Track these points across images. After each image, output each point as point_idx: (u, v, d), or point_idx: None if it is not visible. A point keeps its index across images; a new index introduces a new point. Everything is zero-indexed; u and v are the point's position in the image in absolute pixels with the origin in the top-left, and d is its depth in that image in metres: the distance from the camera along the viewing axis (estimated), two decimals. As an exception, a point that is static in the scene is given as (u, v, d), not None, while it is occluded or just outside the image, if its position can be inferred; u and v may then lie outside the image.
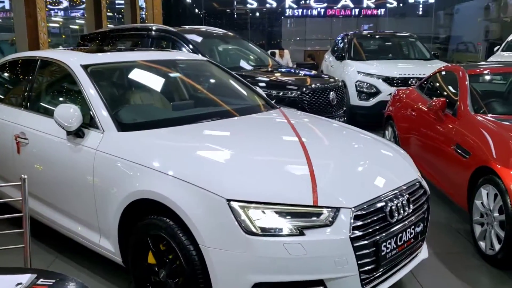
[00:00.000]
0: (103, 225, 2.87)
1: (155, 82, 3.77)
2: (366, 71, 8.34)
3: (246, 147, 2.79)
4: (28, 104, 3.61)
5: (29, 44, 7.19)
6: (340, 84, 6.35)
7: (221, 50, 7.17)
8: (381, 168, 2.80)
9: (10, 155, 3.55)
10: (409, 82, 8.01)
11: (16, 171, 3.53)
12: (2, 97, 4.07)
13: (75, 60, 3.41)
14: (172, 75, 3.86)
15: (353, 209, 2.34)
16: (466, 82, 4.37)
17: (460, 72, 4.57)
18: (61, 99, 3.53)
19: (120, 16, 18.23)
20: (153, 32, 6.90)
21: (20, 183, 2.27)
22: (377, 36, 10.22)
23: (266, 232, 2.23)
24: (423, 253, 2.89)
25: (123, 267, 2.86)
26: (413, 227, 2.63)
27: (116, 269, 3.10)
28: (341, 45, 10.17)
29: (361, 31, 10.63)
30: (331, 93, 5.94)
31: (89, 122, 3.03)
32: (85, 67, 3.33)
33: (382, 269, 2.44)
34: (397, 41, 9.98)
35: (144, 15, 15.57)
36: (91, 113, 3.04)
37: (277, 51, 11.83)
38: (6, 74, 4.26)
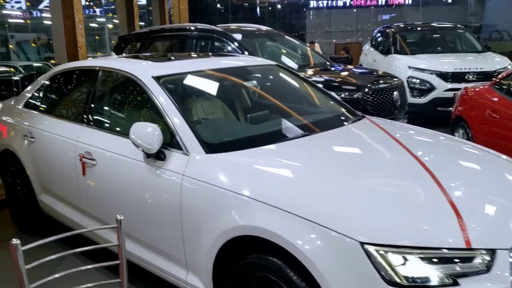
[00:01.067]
0: (191, 260, 2.52)
1: (228, 93, 3.41)
2: (418, 66, 7.87)
3: (362, 173, 2.39)
4: (91, 120, 3.27)
5: (67, 47, 6.88)
6: (402, 83, 5.92)
7: (266, 48, 6.79)
8: None
9: (73, 176, 3.22)
10: (466, 78, 7.53)
11: (81, 194, 3.21)
12: (56, 111, 3.75)
13: (144, 71, 3.06)
14: (245, 83, 3.49)
15: (510, 249, 1.94)
16: None
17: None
18: (131, 115, 3.18)
19: (145, 12, 17.94)
20: (197, 32, 6.54)
21: (116, 225, 1.93)
22: (423, 28, 9.70)
23: (413, 282, 1.85)
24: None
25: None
26: None
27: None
28: (383, 38, 9.70)
29: (404, 23, 10.05)
30: (395, 92, 5.52)
31: (169, 142, 2.68)
32: (157, 79, 2.97)
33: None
34: (445, 32, 9.46)
35: (171, 12, 15.24)
36: (171, 132, 2.68)
37: (307, 44, 11.40)
38: (59, 86, 3.93)
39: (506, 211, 2.18)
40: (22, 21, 20.44)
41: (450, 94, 7.43)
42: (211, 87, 3.29)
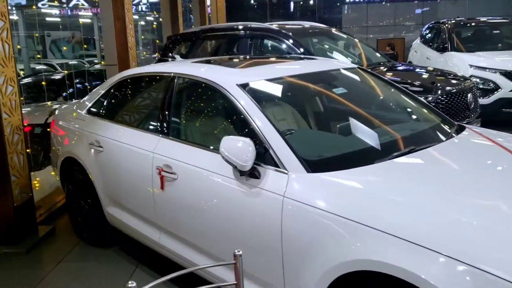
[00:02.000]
0: (292, 290, 2.27)
1: (313, 101, 3.14)
2: (479, 64, 7.43)
3: (497, 197, 2.08)
4: (169, 130, 3.05)
5: (118, 49, 6.74)
6: (475, 84, 5.54)
7: (326, 47, 6.49)
8: None
9: (150, 190, 3.02)
10: (533, 77, 7.08)
11: (160, 209, 3.00)
12: (126, 119, 3.56)
13: (228, 79, 2.82)
14: (334, 90, 3.20)
15: None
16: None
17: None
18: (214, 126, 2.95)
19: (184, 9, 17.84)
20: (250, 31, 6.29)
21: (234, 261, 1.69)
22: (478, 24, 9.21)
23: None
24: None
25: None
26: None
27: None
28: (435, 34, 9.27)
29: (456, 18, 9.58)
30: (469, 95, 5.16)
31: (262, 157, 2.43)
32: (242, 86, 2.73)
33: None
34: (502, 28, 8.95)
35: (209, 9, 15.08)
36: (264, 146, 2.43)
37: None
38: (128, 92, 3.73)
39: None
40: (57, 19, 20.60)
41: (516, 94, 7.01)
42: (297, 93, 3.03)
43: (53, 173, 4.49)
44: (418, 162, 2.44)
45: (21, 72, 13.73)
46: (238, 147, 2.34)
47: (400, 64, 6.30)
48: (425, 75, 5.68)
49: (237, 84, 2.74)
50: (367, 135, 2.73)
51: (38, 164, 5.31)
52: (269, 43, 6.23)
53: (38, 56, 18.00)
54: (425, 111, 3.21)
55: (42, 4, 18.32)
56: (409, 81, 5.23)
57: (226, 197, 2.52)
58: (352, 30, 22.19)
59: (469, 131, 2.95)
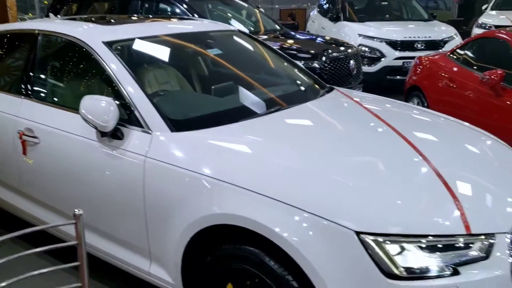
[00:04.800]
0: (156, 250, 2.27)
1: (187, 62, 3.09)
2: (367, 34, 7.78)
3: (347, 153, 2.19)
4: (32, 92, 2.86)
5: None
6: (358, 51, 5.80)
7: (217, 12, 6.42)
8: (506, 171, 2.30)
9: (12, 156, 2.82)
10: (415, 46, 7.55)
11: (22, 176, 2.83)
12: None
13: (94, 36, 2.68)
14: (208, 52, 3.17)
15: (509, 233, 1.84)
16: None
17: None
18: (79, 87, 2.80)
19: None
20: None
21: (74, 221, 1.63)
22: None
23: (413, 274, 1.70)
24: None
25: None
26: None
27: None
28: (331, 4, 9.54)
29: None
30: (351, 61, 5.39)
31: (126, 118, 2.36)
32: (108, 44, 2.61)
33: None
34: (392, 0, 9.41)
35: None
36: (128, 106, 2.36)
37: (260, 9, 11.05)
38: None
39: (500, 192, 2.08)
40: None
41: (399, 62, 7.44)
42: (169, 54, 2.95)
43: None
44: (281, 120, 2.51)
45: None
46: (100, 107, 2.25)
47: (293, 33, 6.42)
48: (312, 43, 5.84)
49: (103, 42, 2.61)
50: (238, 96, 2.77)
51: None
52: (162, 6, 6.04)
53: None
54: (299, 74, 3.29)
55: None
56: (295, 47, 5.35)
57: (89, 160, 2.42)
58: (256, 0, 22.16)
59: (336, 93, 3.07)
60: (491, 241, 1.78)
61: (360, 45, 7.59)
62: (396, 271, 1.69)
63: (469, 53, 4.75)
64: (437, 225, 1.78)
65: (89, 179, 2.43)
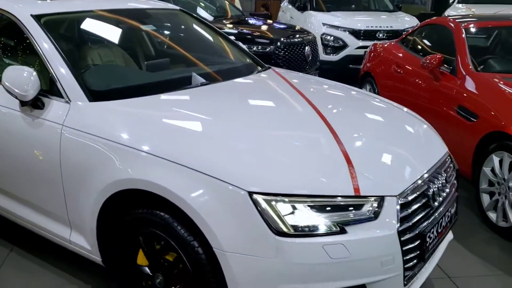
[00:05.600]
0: (74, 218, 2.32)
1: (123, 38, 3.11)
2: (332, 23, 7.86)
3: (257, 123, 2.27)
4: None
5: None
6: (314, 38, 5.88)
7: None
8: (413, 143, 2.40)
9: None
10: (377, 35, 7.66)
11: None
12: None
13: (21, 8, 2.70)
14: (143, 28, 3.21)
15: (398, 196, 1.93)
16: (463, 36, 4.03)
17: (454, 26, 4.22)
18: (6, 59, 2.82)
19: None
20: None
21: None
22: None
23: (301, 231, 1.79)
24: (449, 234, 2.57)
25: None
26: (449, 209, 2.29)
27: (90, 267, 2.57)
28: (300, -6, 9.60)
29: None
30: (307, 48, 5.47)
31: (49, 88, 2.40)
32: (37, 18, 2.63)
33: (425, 263, 2.10)
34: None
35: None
36: (51, 77, 2.40)
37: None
38: None
39: (400, 160, 2.18)
40: None
41: (361, 51, 7.53)
42: (102, 29, 2.99)
43: None
44: (203, 93, 2.58)
45: None
46: (21, 77, 2.29)
47: (254, 20, 6.49)
48: (272, 29, 5.91)
49: (31, 15, 2.64)
50: (167, 71, 2.83)
51: None
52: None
53: None
54: (237, 53, 3.35)
55: None
56: (254, 33, 5.41)
57: (11, 130, 2.46)
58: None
59: (270, 71, 3.14)
60: (380, 203, 1.87)
61: (324, 34, 7.68)
62: (284, 229, 1.77)
63: (417, 39, 4.86)
64: (326, 186, 1.86)
65: (10, 148, 2.47)
